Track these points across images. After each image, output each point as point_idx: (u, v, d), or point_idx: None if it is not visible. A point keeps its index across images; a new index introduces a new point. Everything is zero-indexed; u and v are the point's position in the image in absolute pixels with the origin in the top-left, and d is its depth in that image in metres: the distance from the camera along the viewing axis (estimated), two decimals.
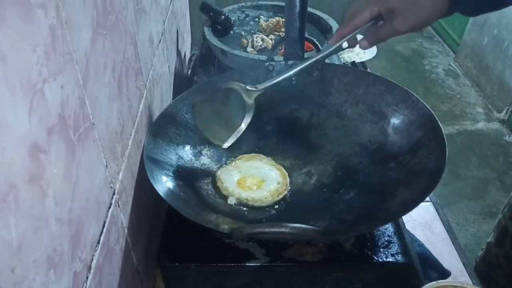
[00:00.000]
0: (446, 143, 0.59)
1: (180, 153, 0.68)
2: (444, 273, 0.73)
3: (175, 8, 1.04)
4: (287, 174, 0.69)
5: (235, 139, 0.67)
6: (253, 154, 0.72)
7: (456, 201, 1.93)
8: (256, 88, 0.67)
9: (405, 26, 0.56)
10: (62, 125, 0.35)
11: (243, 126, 0.66)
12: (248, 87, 0.66)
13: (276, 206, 0.65)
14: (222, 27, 1.02)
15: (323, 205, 0.65)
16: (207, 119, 0.68)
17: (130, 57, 0.57)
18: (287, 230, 0.49)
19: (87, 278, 0.41)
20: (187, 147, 0.70)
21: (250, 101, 0.66)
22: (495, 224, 1.15)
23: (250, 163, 0.70)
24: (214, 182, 0.68)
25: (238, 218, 0.62)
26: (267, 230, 0.50)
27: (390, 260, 0.57)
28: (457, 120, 2.44)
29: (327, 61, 0.95)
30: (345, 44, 0.64)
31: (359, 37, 0.65)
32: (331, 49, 0.66)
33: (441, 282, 0.58)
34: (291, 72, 0.67)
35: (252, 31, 1.06)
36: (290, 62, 0.78)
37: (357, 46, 0.64)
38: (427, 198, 0.89)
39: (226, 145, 0.67)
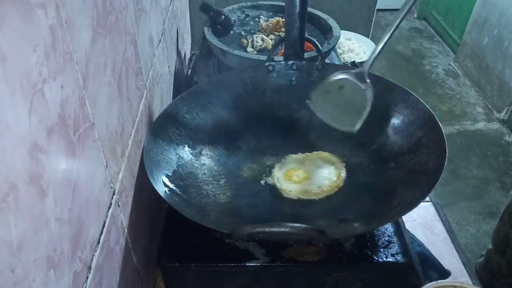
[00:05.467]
0: (446, 143, 0.59)
1: (180, 153, 0.68)
2: (444, 273, 0.73)
3: (175, 8, 1.04)
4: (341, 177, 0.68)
5: (363, 121, 0.67)
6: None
7: (456, 201, 1.93)
8: (363, 69, 0.66)
9: None
10: (62, 125, 0.35)
11: (368, 108, 0.66)
12: (357, 71, 0.67)
13: (276, 205, 0.66)
14: (222, 27, 1.02)
15: (323, 205, 0.65)
16: (328, 110, 0.69)
17: (130, 57, 0.57)
18: (287, 229, 0.49)
19: (87, 278, 0.41)
20: (187, 147, 0.70)
21: (364, 84, 0.66)
22: (494, 231, 1.15)
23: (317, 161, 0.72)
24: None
25: (238, 218, 0.62)
26: (267, 229, 0.50)
27: (390, 260, 0.57)
28: (457, 120, 2.44)
29: (327, 61, 0.95)
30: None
31: None
32: (405, 8, 0.64)
33: (441, 282, 0.58)
34: (385, 38, 0.65)
35: (252, 31, 1.06)
36: (290, 62, 0.78)
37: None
38: (427, 198, 0.89)
39: (356, 128, 0.67)
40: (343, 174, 0.68)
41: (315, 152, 0.73)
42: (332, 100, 0.69)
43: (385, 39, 0.65)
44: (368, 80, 0.66)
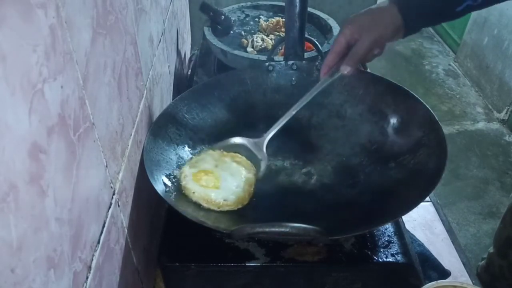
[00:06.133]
0: (446, 143, 0.59)
1: (180, 153, 0.68)
2: (444, 273, 0.73)
3: (175, 8, 1.04)
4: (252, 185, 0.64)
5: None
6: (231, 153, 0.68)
7: (456, 201, 1.93)
8: (263, 139, 0.68)
9: (369, 39, 0.61)
10: (62, 125, 0.35)
11: (259, 176, 0.66)
12: (256, 140, 0.68)
13: (276, 205, 0.66)
14: (222, 27, 1.03)
15: (323, 205, 0.65)
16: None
17: (130, 57, 0.57)
18: (287, 230, 0.49)
19: (87, 278, 0.41)
20: (187, 147, 0.70)
21: (261, 153, 0.67)
22: (495, 234, 1.14)
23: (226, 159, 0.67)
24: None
25: (239, 218, 0.62)
26: (267, 230, 0.50)
27: (390, 260, 0.57)
28: (457, 120, 2.44)
29: None
30: (336, 74, 0.66)
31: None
32: (326, 81, 0.67)
33: (441, 282, 0.58)
34: (292, 112, 0.68)
35: (252, 31, 1.06)
36: (290, 62, 0.78)
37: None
38: (427, 198, 0.89)
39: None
40: (252, 189, 0.64)
41: (231, 154, 0.68)
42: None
43: (292, 112, 0.68)
44: (264, 151, 0.67)
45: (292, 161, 0.73)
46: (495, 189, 1.99)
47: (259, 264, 0.57)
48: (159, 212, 0.72)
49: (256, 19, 1.11)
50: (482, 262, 1.18)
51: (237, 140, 0.69)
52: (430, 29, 3.40)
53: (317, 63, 0.78)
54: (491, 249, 1.15)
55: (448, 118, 2.44)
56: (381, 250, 0.59)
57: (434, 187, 0.55)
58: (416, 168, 0.62)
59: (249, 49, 0.98)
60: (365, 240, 0.60)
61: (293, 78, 0.79)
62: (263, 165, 0.67)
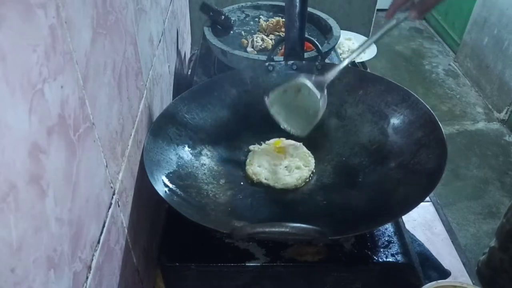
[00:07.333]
0: (446, 143, 0.59)
1: (180, 153, 0.68)
2: (444, 273, 0.73)
3: (175, 8, 1.04)
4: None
5: (312, 128, 0.68)
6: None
7: (456, 201, 1.93)
8: (324, 78, 0.67)
9: None
10: (62, 125, 0.35)
11: (319, 116, 0.67)
12: (318, 79, 0.67)
13: (276, 205, 0.66)
14: (222, 27, 1.03)
15: (323, 205, 0.65)
16: (282, 111, 0.70)
17: (130, 57, 0.57)
18: (287, 230, 0.49)
19: (87, 278, 0.41)
20: (187, 147, 0.70)
21: (321, 93, 0.66)
22: (498, 228, 1.15)
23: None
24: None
25: (239, 218, 0.62)
26: (267, 229, 0.50)
27: (390, 260, 0.57)
28: (457, 120, 2.44)
29: (327, 61, 0.95)
30: (402, 15, 0.65)
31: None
32: (391, 23, 0.66)
33: (441, 282, 0.58)
34: (354, 55, 0.68)
35: (252, 31, 1.06)
36: (290, 62, 0.78)
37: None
38: (427, 198, 0.89)
39: (304, 134, 0.69)
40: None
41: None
42: (288, 102, 0.69)
43: (354, 56, 0.67)
44: (325, 91, 0.66)
45: None
46: (495, 189, 1.99)
47: (259, 264, 0.57)
48: (159, 212, 0.72)
49: (256, 19, 1.11)
50: (483, 256, 1.19)
51: (298, 79, 0.68)
52: (430, 29, 3.40)
53: (317, 63, 0.78)
54: (492, 243, 1.15)
55: (448, 118, 2.44)
56: (381, 250, 0.59)
57: (434, 187, 0.55)
58: (416, 168, 0.62)
59: (249, 49, 0.98)
60: (365, 240, 0.60)
61: None
62: (321, 104, 0.66)
